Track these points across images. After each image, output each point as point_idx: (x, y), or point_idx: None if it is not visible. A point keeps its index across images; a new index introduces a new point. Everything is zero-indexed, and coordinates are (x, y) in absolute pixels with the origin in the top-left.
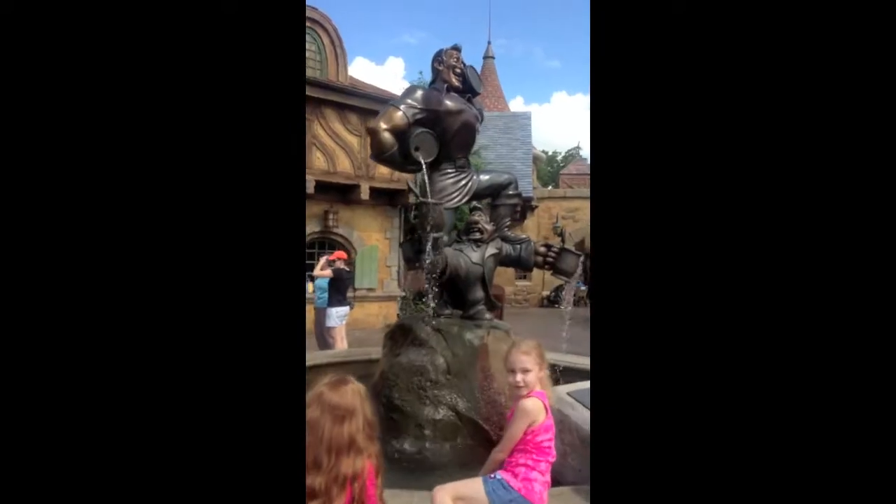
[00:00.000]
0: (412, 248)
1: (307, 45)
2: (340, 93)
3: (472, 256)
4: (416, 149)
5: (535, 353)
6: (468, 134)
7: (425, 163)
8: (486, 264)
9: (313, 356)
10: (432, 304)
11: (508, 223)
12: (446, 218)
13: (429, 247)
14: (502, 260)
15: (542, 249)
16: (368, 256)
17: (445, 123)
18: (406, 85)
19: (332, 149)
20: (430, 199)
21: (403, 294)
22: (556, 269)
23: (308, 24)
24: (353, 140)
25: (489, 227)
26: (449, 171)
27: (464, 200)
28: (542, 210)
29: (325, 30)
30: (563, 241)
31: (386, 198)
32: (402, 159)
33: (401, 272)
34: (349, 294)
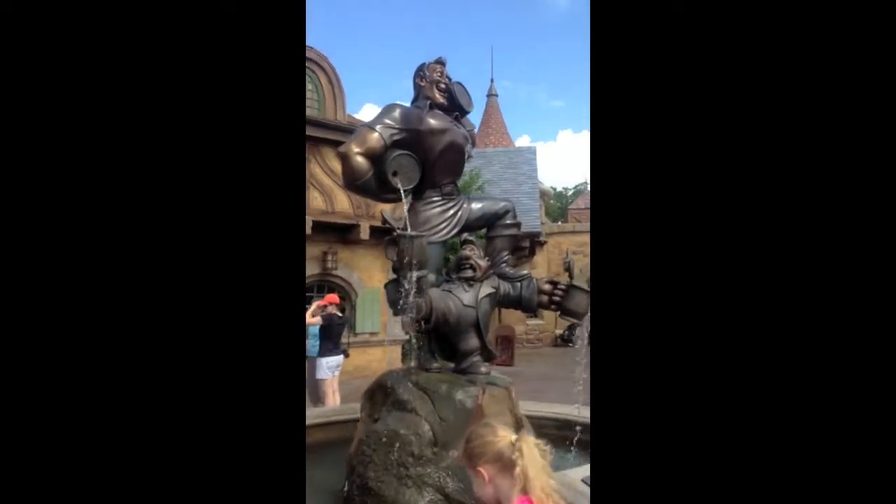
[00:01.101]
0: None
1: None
2: (338, 131)
3: (463, 298)
4: (394, 174)
5: (506, 447)
6: (455, 156)
7: (405, 190)
8: (481, 306)
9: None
10: (416, 357)
11: (507, 257)
12: (432, 253)
13: (409, 287)
14: (500, 300)
15: (547, 287)
16: (370, 299)
17: (428, 144)
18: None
19: (331, 188)
20: (407, 232)
21: (407, 338)
22: (563, 310)
23: (305, 63)
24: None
25: (483, 262)
26: (434, 199)
27: (453, 233)
28: (552, 245)
29: (323, 69)
30: (571, 276)
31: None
32: (378, 187)
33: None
34: (343, 341)
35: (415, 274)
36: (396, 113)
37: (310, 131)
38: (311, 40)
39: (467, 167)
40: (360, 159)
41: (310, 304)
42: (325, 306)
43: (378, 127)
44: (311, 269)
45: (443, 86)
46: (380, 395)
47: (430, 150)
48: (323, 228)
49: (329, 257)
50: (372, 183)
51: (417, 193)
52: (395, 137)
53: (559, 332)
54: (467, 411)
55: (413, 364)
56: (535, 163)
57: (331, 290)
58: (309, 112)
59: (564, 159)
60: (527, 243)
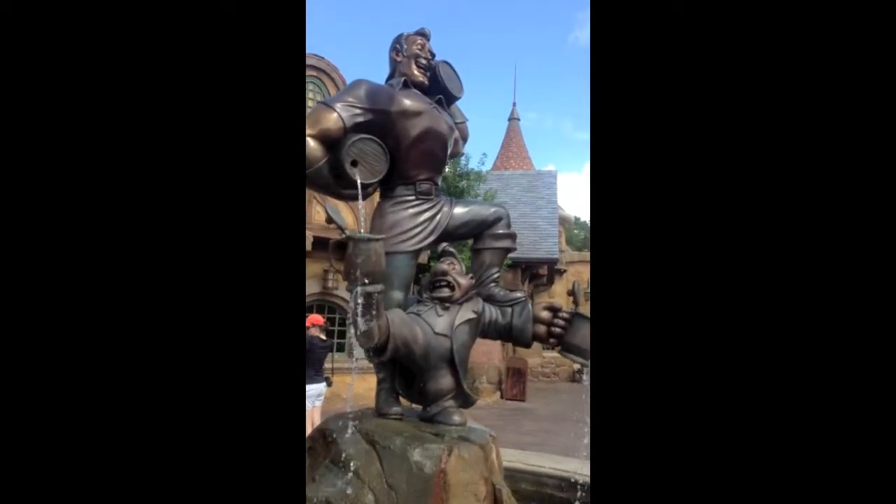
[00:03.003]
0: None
1: (311, 95)
2: None
3: (434, 324)
4: (353, 163)
5: None
6: (433, 145)
7: (365, 184)
8: (457, 336)
9: None
10: (376, 395)
11: (496, 275)
12: (398, 266)
13: (354, 307)
14: (485, 329)
15: (546, 315)
16: None
17: (399, 129)
18: None
19: (334, 202)
20: (358, 233)
21: None
22: (565, 346)
23: (314, 73)
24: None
25: (464, 280)
26: (406, 198)
27: (427, 241)
28: (572, 274)
29: (332, 79)
30: (576, 303)
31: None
32: (333, 179)
33: None
34: (326, 366)
35: (364, 289)
36: (362, 90)
37: None
38: (320, 50)
39: (482, 188)
40: (311, 143)
41: None
42: (308, 327)
43: (337, 105)
44: (311, 288)
45: (423, 61)
46: (320, 445)
47: (401, 137)
48: (324, 244)
49: (330, 275)
50: (324, 173)
51: (386, 191)
52: (358, 119)
53: (577, 366)
54: (425, 478)
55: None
56: (555, 187)
57: (331, 311)
58: None
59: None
60: (545, 271)
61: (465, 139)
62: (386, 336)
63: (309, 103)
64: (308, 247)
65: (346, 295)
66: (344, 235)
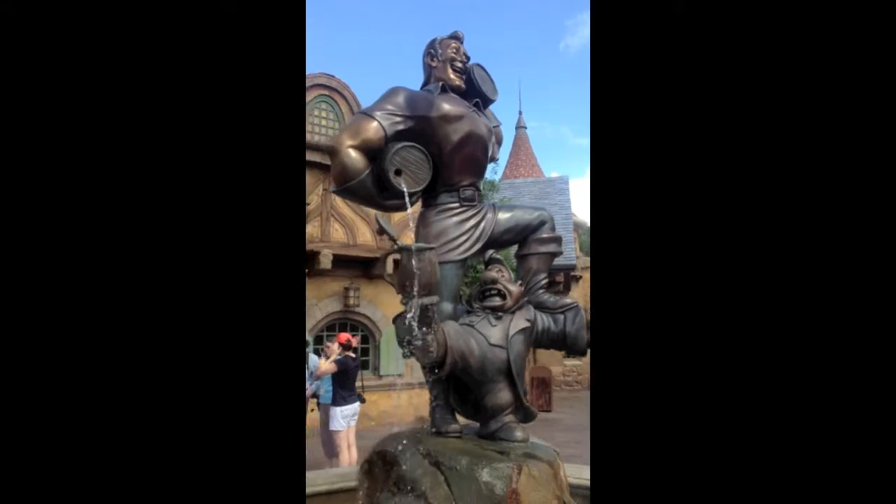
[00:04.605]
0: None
1: (324, 114)
2: None
3: (489, 335)
4: (397, 172)
5: None
6: (475, 150)
7: (411, 193)
8: (513, 346)
9: (312, 477)
10: (430, 414)
11: (544, 282)
12: (447, 275)
13: (413, 321)
14: (538, 338)
15: None
16: (395, 338)
17: (441, 135)
18: None
19: (352, 220)
20: (414, 245)
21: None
22: None
23: (326, 91)
24: (373, 210)
25: (514, 288)
26: (451, 205)
27: (474, 249)
28: (586, 281)
29: (344, 97)
30: None
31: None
32: (376, 190)
33: None
34: (357, 384)
35: (421, 301)
36: (401, 97)
37: (331, 160)
38: (330, 67)
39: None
40: (353, 154)
41: (324, 347)
42: (345, 343)
43: (377, 114)
44: (333, 307)
45: (459, 65)
46: (380, 468)
47: (443, 142)
48: (344, 263)
49: (351, 293)
50: (368, 184)
51: (429, 199)
52: (399, 127)
53: None
54: (496, 500)
55: (429, 424)
56: (567, 193)
57: (353, 329)
58: (329, 141)
59: None
60: (561, 277)
61: (499, 143)
62: (444, 350)
63: (322, 122)
64: (328, 265)
65: (368, 311)
66: (396, 246)
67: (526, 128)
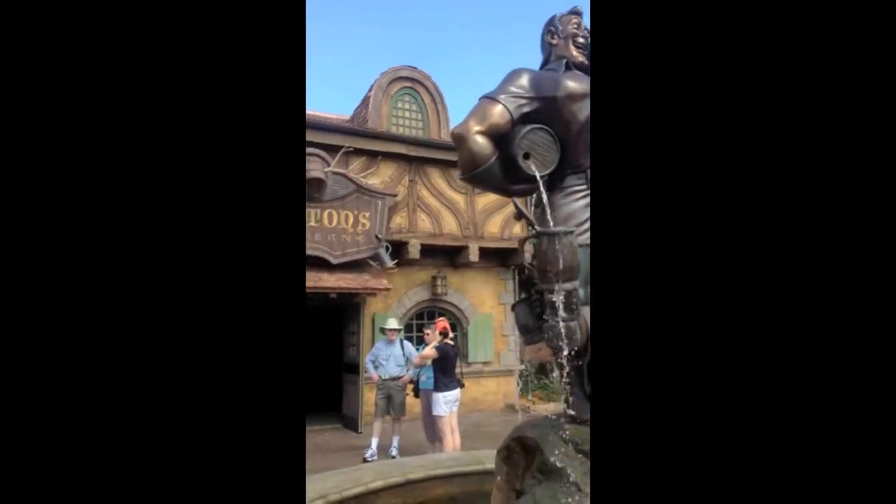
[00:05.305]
0: (530, 310)
1: (408, 106)
2: (443, 150)
3: None
4: (527, 156)
5: None
6: None
7: (541, 177)
8: None
9: (413, 463)
10: (565, 401)
11: None
12: (581, 259)
13: (557, 305)
14: None
15: None
16: (482, 325)
17: (567, 114)
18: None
19: (437, 209)
20: (553, 228)
21: (522, 367)
22: None
23: (409, 84)
24: (458, 198)
25: None
26: (578, 187)
27: None
28: None
29: (426, 88)
30: None
31: (497, 259)
32: (504, 175)
33: (519, 341)
34: (456, 371)
35: (564, 286)
36: (524, 79)
37: (415, 152)
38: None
39: None
40: (480, 140)
41: (424, 333)
42: (444, 331)
43: (502, 97)
44: (421, 295)
45: (581, 41)
46: (519, 455)
47: (571, 122)
48: (431, 252)
49: (438, 282)
50: (496, 170)
51: (555, 181)
52: (525, 109)
53: None
54: None
55: (565, 411)
56: None
57: (441, 316)
58: (413, 132)
59: None
60: None
61: None
62: (587, 336)
63: (405, 114)
64: (416, 255)
65: (455, 300)
66: (535, 231)
67: None
